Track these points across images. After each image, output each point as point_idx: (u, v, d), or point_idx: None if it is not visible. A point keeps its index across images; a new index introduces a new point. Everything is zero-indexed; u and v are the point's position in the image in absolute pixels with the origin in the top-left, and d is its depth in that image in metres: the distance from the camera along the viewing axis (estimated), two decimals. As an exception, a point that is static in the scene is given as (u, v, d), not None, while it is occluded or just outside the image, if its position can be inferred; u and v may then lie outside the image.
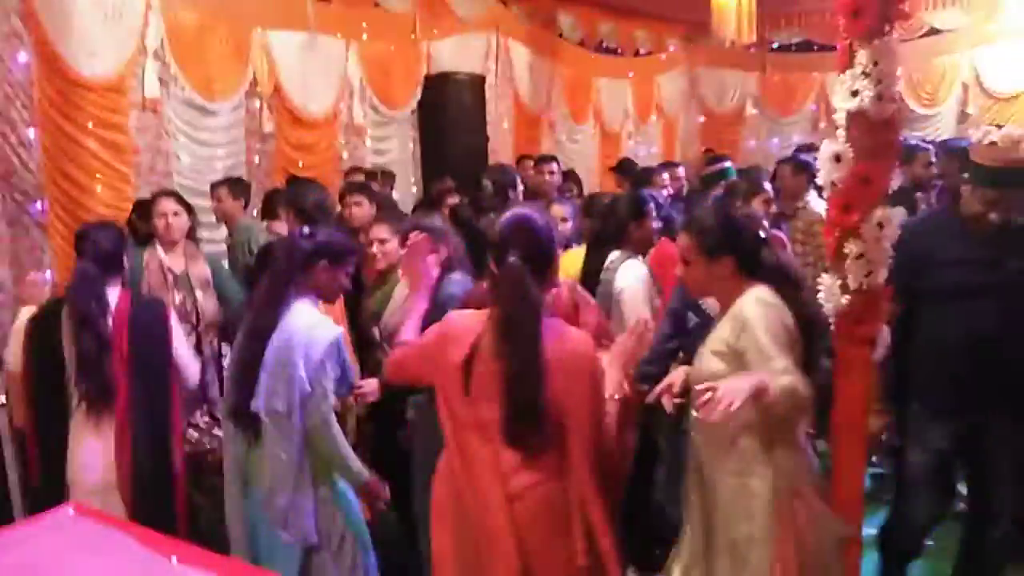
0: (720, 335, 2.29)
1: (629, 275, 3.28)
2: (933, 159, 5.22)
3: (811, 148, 6.45)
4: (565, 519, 2.02)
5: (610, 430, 2.07)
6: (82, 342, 2.82)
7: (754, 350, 2.13)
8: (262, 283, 2.71)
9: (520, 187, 5.27)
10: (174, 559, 2.05)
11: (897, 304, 2.69)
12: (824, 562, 2.21)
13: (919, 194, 5.00)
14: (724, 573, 2.28)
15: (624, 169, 7.18)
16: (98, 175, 5.18)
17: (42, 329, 2.97)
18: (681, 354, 2.94)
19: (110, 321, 2.90)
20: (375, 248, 3.39)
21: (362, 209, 4.43)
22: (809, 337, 2.23)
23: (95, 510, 2.42)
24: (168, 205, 3.89)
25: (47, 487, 2.98)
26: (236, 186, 5.17)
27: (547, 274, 2.11)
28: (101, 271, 2.95)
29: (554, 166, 6.07)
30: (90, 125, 5.16)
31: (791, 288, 2.23)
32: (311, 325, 2.57)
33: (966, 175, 2.70)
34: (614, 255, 3.42)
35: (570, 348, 2.05)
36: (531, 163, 6.58)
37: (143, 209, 4.14)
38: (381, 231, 3.40)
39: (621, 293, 3.23)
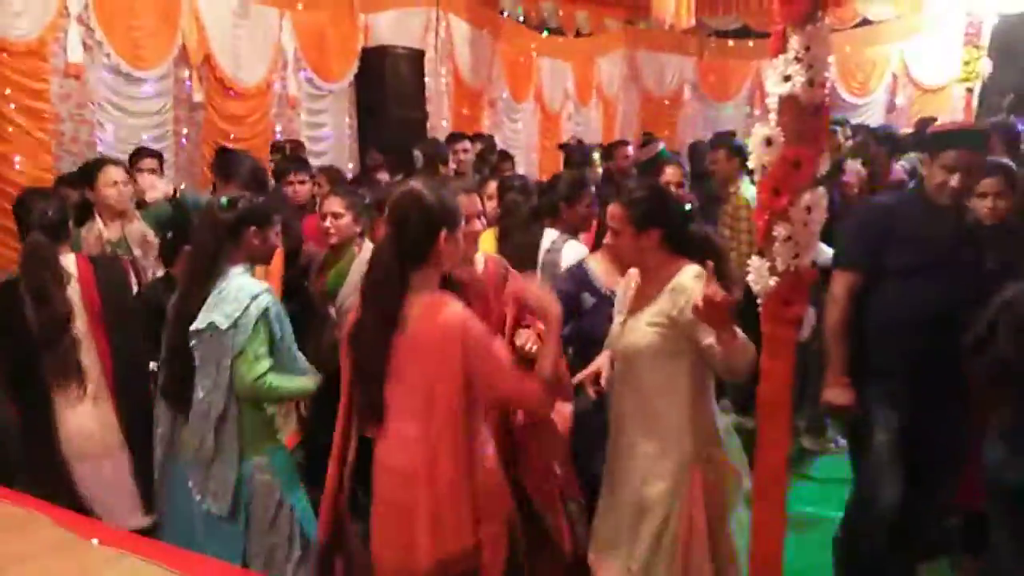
0: (659, 308, 2.36)
1: (572, 255, 3.29)
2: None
3: (731, 135, 6.64)
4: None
5: (533, 387, 2.12)
6: (41, 315, 2.77)
7: (701, 327, 2.23)
8: (187, 263, 2.68)
9: (451, 163, 5.27)
10: (95, 541, 2.00)
11: (858, 280, 2.88)
12: (726, 512, 2.38)
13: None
14: (628, 528, 2.41)
15: (570, 150, 7.19)
16: (19, 143, 4.99)
17: (2, 307, 2.88)
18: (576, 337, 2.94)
19: (75, 287, 2.87)
20: (328, 222, 3.31)
21: (305, 187, 4.42)
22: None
23: (13, 492, 2.34)
24: (118, 173, 3.81)
25: (40, 462, 2.91)
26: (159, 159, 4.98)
27: (425, 249, 2.10)
28: (51, 240, 2.86)
29: (467, 144, 6.11)
30: (8, 91, 4.96)
31: (716, 261, 2.28)
32: (241, 287, 2.56)
33: (925, 154, 2.89)
34: (552, 234, 3.43)
35: (440, 321, 2.08)
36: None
37: (83, 176, 3.94)
38: (334, 204, 3.32)
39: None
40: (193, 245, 2.68)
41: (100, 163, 3.94)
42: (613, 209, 2.44)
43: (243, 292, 2.53)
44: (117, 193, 3.76)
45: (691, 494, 2.33)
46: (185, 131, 6.22)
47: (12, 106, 4.98)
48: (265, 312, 2.53)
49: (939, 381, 2.77)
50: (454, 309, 2.11)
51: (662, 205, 2.43)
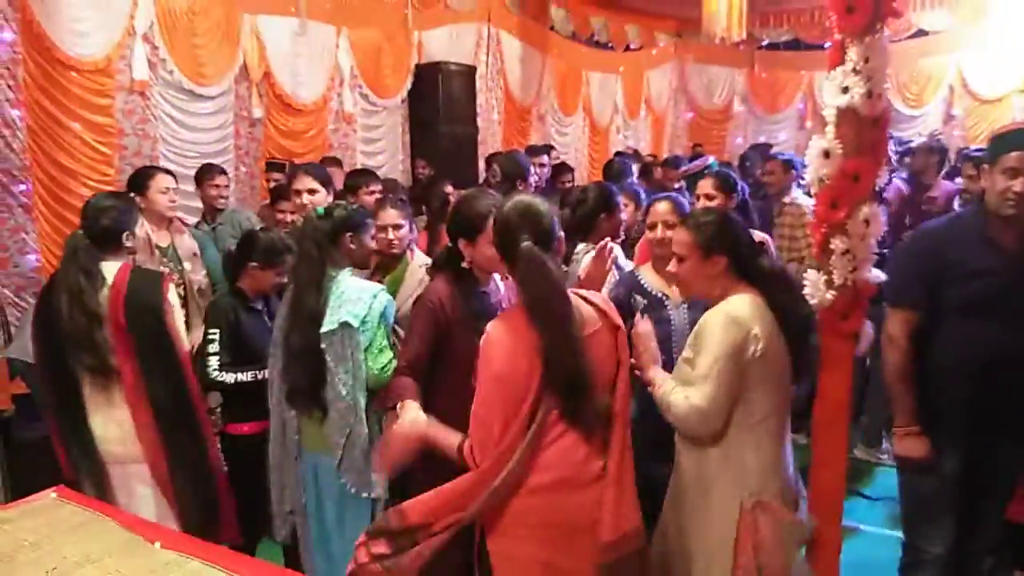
0: (689, 342, 2.31)
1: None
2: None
3: (768, 147, 6.56)
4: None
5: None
6: (71, 316, 2.79)
7: (695, 358, 2.21)
8: (294, 272, 2.80)
9: (531, 179, 5.26)
10: (158, 544, 2.06)
11: (914, 319, 2.63)
12: (786, 568, 2.22)
13: None
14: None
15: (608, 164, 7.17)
16: (83, 157, 5.16)
17: (44, 308, 2.93)
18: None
19: (105, 294, 2.85)
20: (391, 234, 3.32)
21: (374, 198, 4.35)
22: (801, 338, 2.24)
23: (78, 494, 2.41)
24: (168, 181, 3.90)
25: (79, 461, 2.93)
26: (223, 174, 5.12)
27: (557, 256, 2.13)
28: (97, 245, 2.89)
29: (544, 158, 6.07)
30: (75, 108, 5.13)
31: (782, 292, 2.23)
32: (361, 288, 2.71)
33: (984, 165, 2.61)
34: (580, 247, 3.45)
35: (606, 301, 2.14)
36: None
37: (133, 183, 3.98)
38: (394, 217, 3.33)
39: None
40: (299, 255, 2.78)
41: (152, 170, 4.03)
42: (679, 234, 2.37)
43: (364, 292, 2.69)
44: (168, 200, 3.86)
45: (742, 546, 2.19)
46: (244, 146, 6.37)
47: (78, 124, 5.15)
48: (385, 308, 2.71)
49: (1005, 424, 2.61)
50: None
51: (729, 231, 2.32)
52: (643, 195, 4.12)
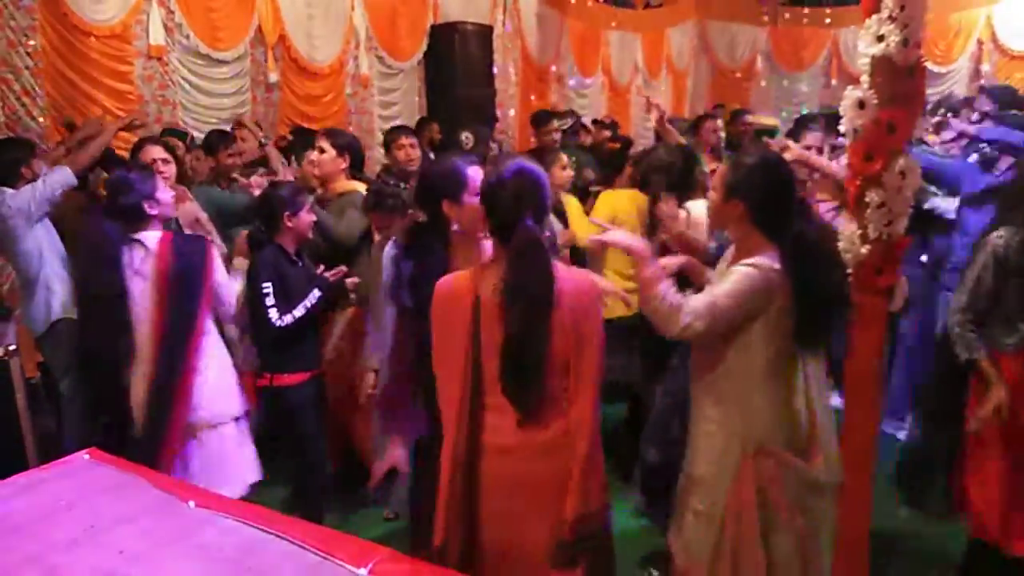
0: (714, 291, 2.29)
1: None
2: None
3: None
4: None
5: None
6: (95, 286, 2.86)
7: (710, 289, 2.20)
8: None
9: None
10: (192, 503, 2.07)
11: None
12: (793, 513, 2.24)
13: None
14: (680, 501, 2.39)
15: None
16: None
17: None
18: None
19: (150, 262, 2.93)
20: None
21: (417, 151, 4.35)
22: (815, 311, 2.21)
23: (111, 456, 2.44)
24: (156, 152, 3.75)
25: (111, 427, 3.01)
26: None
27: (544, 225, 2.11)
28: (126, 223, 2.95)
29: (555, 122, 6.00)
30: (95, 74, 5.13)
31: (806, 262, 2.18)
32: None
33: None
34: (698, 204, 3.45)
35: (576, 281, 2.05)
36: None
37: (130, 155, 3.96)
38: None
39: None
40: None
41: (141, 143, 3.92)
42: (720, 167, 2.38)
43: None
44: (156, 171, 3.65)
45: (738, 489, 2.24)
46: (262, 111, 6.34)
47: (97, 89, 5.15)
48: None
49: None
50: (580, 273, 2.18)
51: (756, 179, 2.24)
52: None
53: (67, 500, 2.10)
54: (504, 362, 2.00)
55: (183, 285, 2.97)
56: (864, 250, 2.12)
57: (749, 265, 2.19)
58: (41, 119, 4.90)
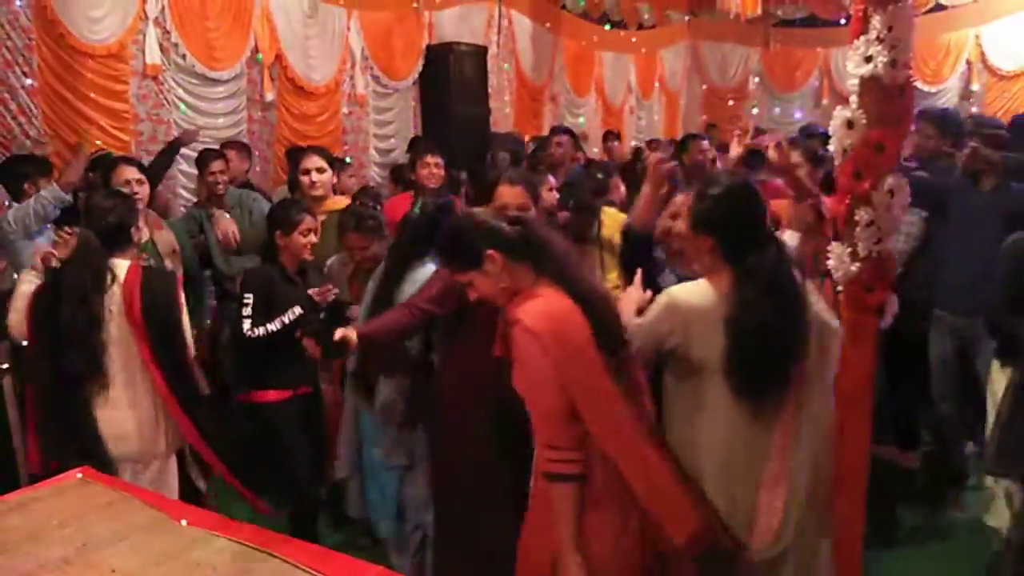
0: None
1: None
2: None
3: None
4: None
5: None
6: (72, 316, 2.78)
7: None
8: (387, 261, 2.97)
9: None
10: (184, 522, 2.07)
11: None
12: None
13: None
14: None
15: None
16: (98, 143, 5.15)
17: (45, 300, 2.90)
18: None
19: (117, 291, 2.86)
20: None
21: (441, 171, 4.41)
22: (755, 356, 2.11)
23: (103, 475, 2.43)
24: (130, 172, 3.74)
25: (59, 456, 2.87)
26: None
27: None
28: (104, 243, 2.90)
29: (563, 137, 6.00)
30: (91, 94, 5.15)
31: (757, 293, 2.10)
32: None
33: None
34: None
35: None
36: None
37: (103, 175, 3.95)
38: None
39: None
40: (392, 247, 3.00)
41: (114, 161, 3.91)
42: (684, 197, 2.37)
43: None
44: (129, 192, 3.57)
45: None
46: (258, 130, 6.37)
47: (93, 108, 5.17)
48: None
49: None
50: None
51: (725, 213, 2.17)
52: None
53: (59, 519, 2.10)
54: None
55: (152, 320, 2.90)
56: (854, 268, 2.14)
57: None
58: (36, 138, 4.91)
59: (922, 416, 4.08)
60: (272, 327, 3.08)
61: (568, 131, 6.13)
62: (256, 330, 3.07)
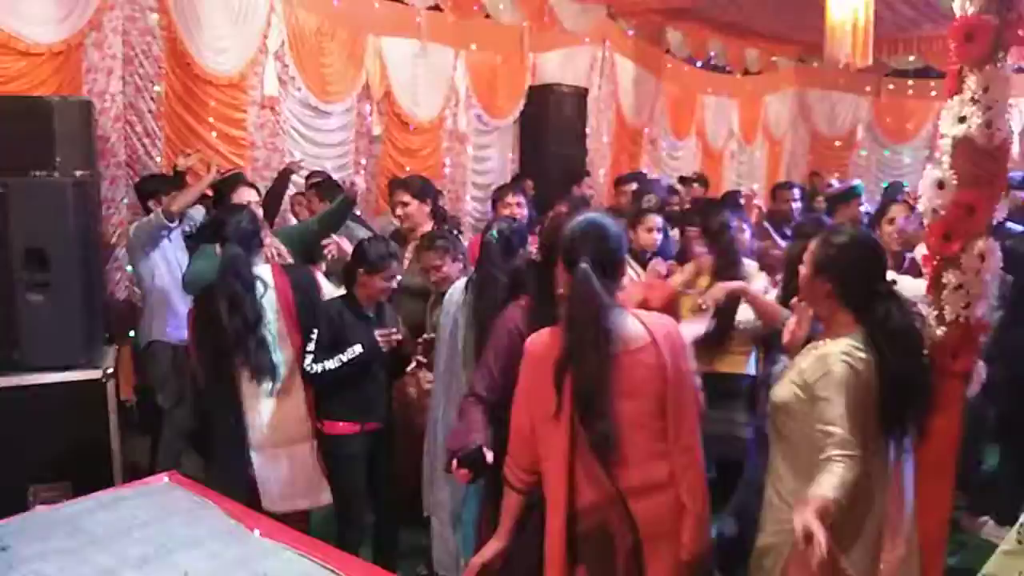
0: (801, 367, 2.19)
1: None
2: None
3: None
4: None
5: None
6: (233, 322, 3.03)
7: (824, 407, 2.06)
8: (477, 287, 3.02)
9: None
10: (257, 532, 2.17)
11: None
12: None
13: None
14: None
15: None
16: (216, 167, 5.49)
17: (203, 316, 3.20)
18: None
19: (271, 294, 3.15)
20: None
21: (524, 210, 4.56)
22: (902, 401, 2.08)
23: (189, 480, 2.58)
24: (249, 194, 3.97)
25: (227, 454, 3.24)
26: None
27: (617, 278, 2.14)
28: (245, 250, 3.14)
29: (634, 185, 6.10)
30: (212, 120, 5.49)
31: (893, 348, 2.06)
32: None
33: None
34: None
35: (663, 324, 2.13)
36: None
37: (217, 195, 4.22)
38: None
39: None
40: (477, 267, 3.07)
41: (235, 182, 4.14)
42: (808, 243, 2.33)
43: None
44: None
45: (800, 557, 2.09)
46: (363, 162, 6.62)
47: (214, 134, 5.50)
48: None
49: None
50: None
51: (847, 260, 2.18)
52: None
53: (143, 519, 2.24)
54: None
55: (307, 313, 3.21)
56: (940, 332, 2.09)
57: (845, 362, 2.08)
58: (159, 159, 5.25)
59: None
60: (330, 365, 3.12)
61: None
62: (315, 366, 3.14)
